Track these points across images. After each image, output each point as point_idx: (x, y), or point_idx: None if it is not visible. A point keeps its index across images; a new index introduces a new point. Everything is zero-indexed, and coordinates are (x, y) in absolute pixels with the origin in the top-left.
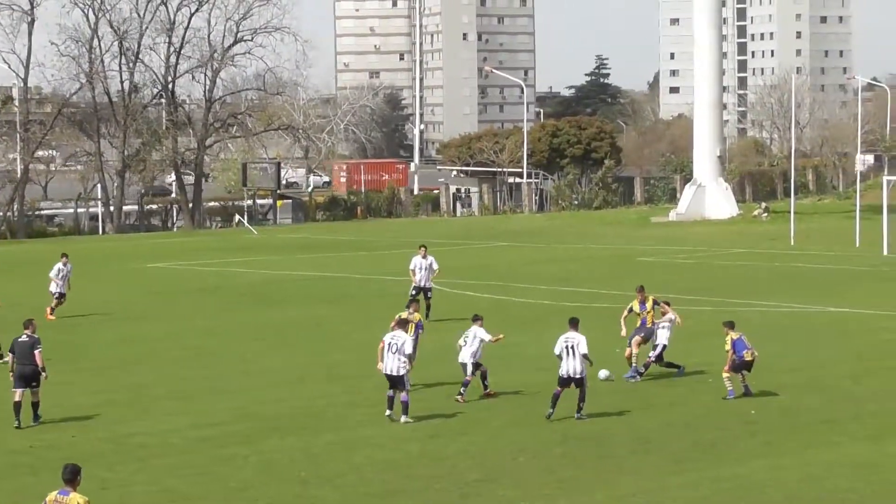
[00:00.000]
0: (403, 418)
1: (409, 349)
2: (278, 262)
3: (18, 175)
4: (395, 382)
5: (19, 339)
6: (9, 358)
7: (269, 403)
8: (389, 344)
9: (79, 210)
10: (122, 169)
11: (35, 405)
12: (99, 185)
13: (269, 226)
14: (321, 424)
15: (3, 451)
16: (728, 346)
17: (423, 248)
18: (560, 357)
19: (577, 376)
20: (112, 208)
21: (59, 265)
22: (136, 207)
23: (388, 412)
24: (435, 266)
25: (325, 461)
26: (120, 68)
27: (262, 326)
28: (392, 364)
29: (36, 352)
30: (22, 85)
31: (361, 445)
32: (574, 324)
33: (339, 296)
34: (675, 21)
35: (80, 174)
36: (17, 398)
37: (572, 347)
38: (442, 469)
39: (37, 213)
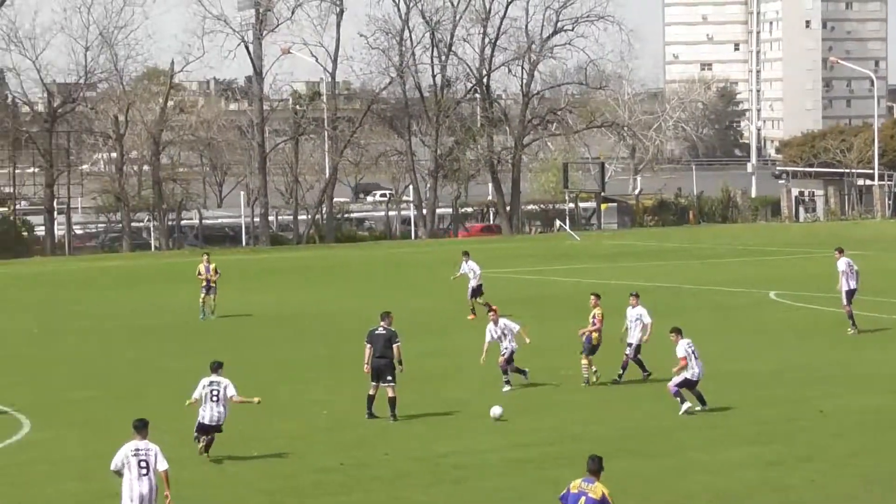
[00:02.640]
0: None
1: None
2: (601, 270)
3: (327, 176)
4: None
5: (375, 332)
6: (367, 352)
7: (593, 424)
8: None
9: (390, 213)
10: (434, 169)
11: (391, 402)
12: (411, 187)
13: (593, 231)
14: (650, 447)
15: (312, 469)
16: None
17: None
18: None
19: None
20: (425, 211)
21: (464, 264)
22: (449, 210)
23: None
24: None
25: (656, 488)
26: (431, 61)
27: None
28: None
29: (395, 345)
30: (330, 80)
31: (695, 471)
32: None
33: (669, 309)
34: None
35: (391, 175)
36: (370, 392)
37: None
38: (784, 500)
39: (346, 216)
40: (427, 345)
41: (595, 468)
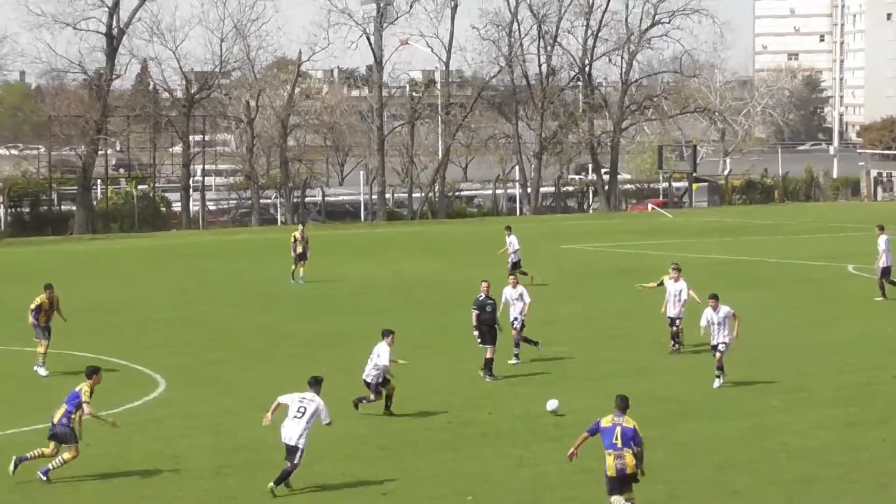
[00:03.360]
0: None
1: None
2: (692, 245)
3: (440, 157)
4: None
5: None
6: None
7: (683, 387)
8: None
9: (497, 191)
10: (539, 151)
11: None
12: (517, 167)
13: (685, 209)
14: (735, 409)
15: (424, 427)
16: None
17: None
18: None
19: None
20: (529, 190)
21: (507, 238)
22: (552, 189)
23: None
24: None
25: (739, 447)
26: (538, 52)
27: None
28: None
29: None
30: (444, 68)
31: (776, 432)
32: None
33: (754, 280)
34: None
35: (499, 156)
36: (487, 355)
37: None
38: (859, 458)
39: (457, 193)
40: (531, 313)
41: (623, 405)
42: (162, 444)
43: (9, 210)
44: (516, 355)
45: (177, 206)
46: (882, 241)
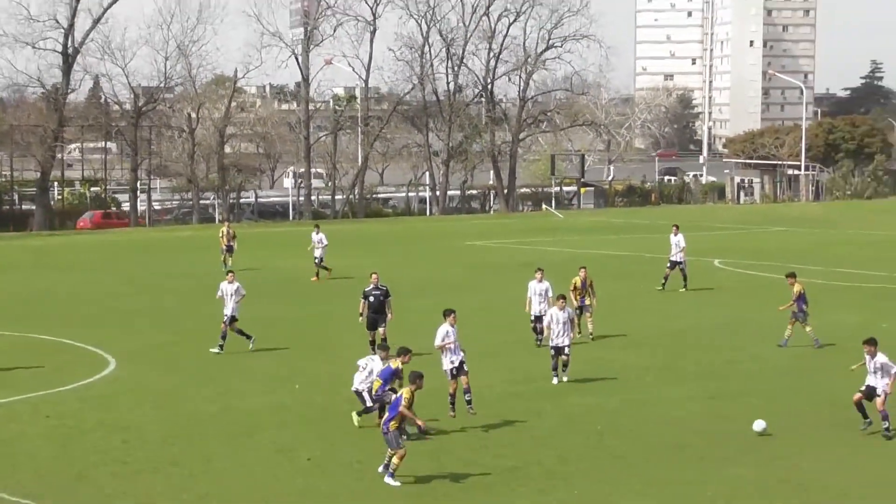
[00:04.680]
0: None
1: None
2: (580, 241)
3: (359, 163)
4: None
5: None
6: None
7: (574, 364)
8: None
9: (410, 194)
10: (446, 159)
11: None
12: (427, 173)
13: (574, 210)
14: (616, 385)
15: (345, 399)
16: None
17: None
18: None
19: None
20: (438, 193)
21: (314, 235)
22: (458, 192)
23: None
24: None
25: (619, 416)
26: (447, 71)
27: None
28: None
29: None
30: (363, 86)
31: (652, 404)
32: None
33: (633, 273)
34: None
35: (411, 163)
36: (370, 338)
37: None
38: (725, 427)
39: (374, 196)
40: (435, 300)
41: (414, 378)
42: (112, 416)
43: None
44: (221, 346)
45: (125, 206)
46: (682, 238)
